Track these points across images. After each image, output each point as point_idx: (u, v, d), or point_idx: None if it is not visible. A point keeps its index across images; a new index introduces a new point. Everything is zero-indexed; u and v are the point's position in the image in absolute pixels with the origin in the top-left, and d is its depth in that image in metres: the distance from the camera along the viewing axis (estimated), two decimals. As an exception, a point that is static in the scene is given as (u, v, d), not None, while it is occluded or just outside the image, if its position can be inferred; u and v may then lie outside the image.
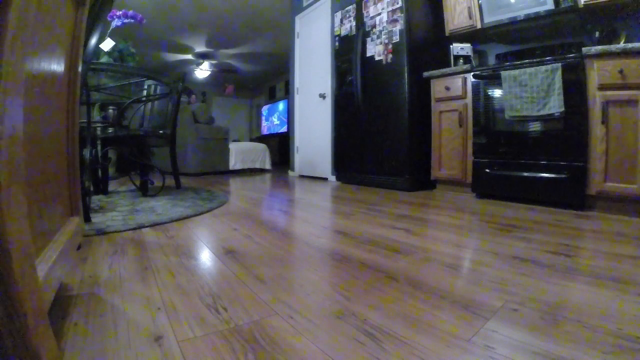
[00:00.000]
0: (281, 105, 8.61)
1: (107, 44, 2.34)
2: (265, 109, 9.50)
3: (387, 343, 0.63)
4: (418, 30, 2.86)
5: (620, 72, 1.75)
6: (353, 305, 0.78)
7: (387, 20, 2.90)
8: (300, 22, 4.44)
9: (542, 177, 2.08)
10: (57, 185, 0.74)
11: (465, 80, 2.51)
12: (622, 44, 1.79)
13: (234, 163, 4.96)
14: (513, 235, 1.40)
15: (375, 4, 3.02)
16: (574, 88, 1.94)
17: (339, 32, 3.46)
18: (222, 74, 8.50)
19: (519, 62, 2.19)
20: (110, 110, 2.83)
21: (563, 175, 1.98)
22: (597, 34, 2.15)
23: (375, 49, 3.02)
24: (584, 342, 0.62)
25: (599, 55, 1.84)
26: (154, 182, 2.56)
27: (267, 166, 5.44)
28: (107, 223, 1.56)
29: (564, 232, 1.45)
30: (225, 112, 10.21)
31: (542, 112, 2.04)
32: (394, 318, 0.72)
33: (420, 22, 2.89)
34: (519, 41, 2.71)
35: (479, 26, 2.62)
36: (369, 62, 3.08)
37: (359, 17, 3.18)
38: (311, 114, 4.23)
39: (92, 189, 2.34)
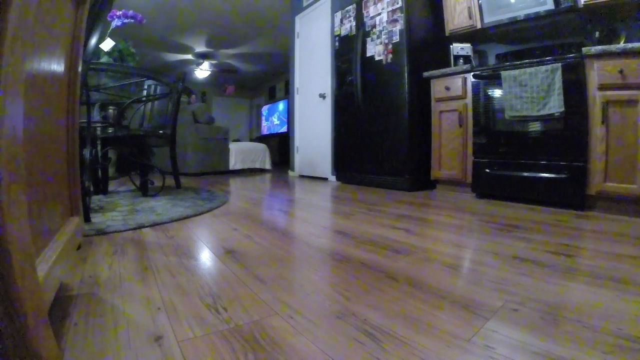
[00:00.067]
0: (281, 105, 8.61)
1: (107, 44, 2.34)
2: (265, 109, 9.49)
3: (387, 343, 0.63)
4: (418, 30, 2.86)
5: (620, 72, 1.75)
6: (353, 305, 0.78)
7: (387, 20, 2.90)
8: (300, 22, 4.44)
9: (542, 177, 2.08)
10: (57, 185, 0.74)
11: (465, 80, 2.51)
12: (622, 44, 1.79)
13: (234, 163, 4.97)
14: (513, 235, 1.40)
15: (375, 4, 3.02)
16: (574, 88, 1.94)
17: (339, 32, 3.46)
18: (222, 74, 8.50)
19: (519, 62, 2.19)
20: (110, 110, 2.83)
21: (563, 175, 1.98)
22: (597, 34, 2.14)
23: (375, 49, 3.02)
24: (584, 342, 0.62)
25: (599, 55, 1.84)
26: (154, 182, 2.56)
27: (267, 166, 5.44)
28: (107, 223, 1.56)
29: (564, 232, 1.45)
30: (225, 112, 10.21)
31: (542, 112, 2.04)
32: (394, 318, 0.72)
33: (420, 22, 2.89)
34: (519, 41, 2.71)
35: (479, 26, 2.62)
36: (369, 62, 3.08)
37: (359, 17, 3.18)
38: (311, 114, 4.22)
39: (92, 189, 2.34)
